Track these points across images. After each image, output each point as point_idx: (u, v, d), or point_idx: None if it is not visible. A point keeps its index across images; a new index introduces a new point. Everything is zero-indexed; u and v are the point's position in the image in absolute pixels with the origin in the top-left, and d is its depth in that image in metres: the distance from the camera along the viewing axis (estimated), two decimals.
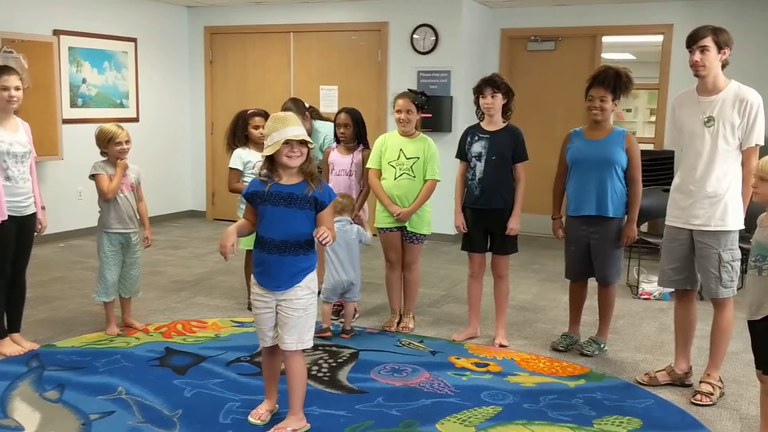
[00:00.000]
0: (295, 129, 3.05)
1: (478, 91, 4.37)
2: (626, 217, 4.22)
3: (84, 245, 7.12)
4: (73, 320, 4.83)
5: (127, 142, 4.42)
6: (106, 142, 4.39)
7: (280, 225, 3.09)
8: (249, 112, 5.01)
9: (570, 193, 4.28)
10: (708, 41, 3.56)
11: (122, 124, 4.53)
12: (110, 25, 7.88)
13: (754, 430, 3.34)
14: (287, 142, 3.02)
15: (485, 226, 4.43)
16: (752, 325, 3.01)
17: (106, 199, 4.41)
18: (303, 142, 3.06)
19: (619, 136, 4.16)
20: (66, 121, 7.37)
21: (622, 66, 4.20)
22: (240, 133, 4.97)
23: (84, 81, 7.63)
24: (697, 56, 3.59)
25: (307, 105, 5.55)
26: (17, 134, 4.03)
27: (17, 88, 3.97)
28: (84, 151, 7.42)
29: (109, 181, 4.38)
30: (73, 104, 7.51)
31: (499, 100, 4.32)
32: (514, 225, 4.36)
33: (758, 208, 3.10)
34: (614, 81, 4.09)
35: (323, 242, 3.04)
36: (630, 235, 4.21)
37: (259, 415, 3.34)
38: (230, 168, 4.93)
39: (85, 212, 7.38)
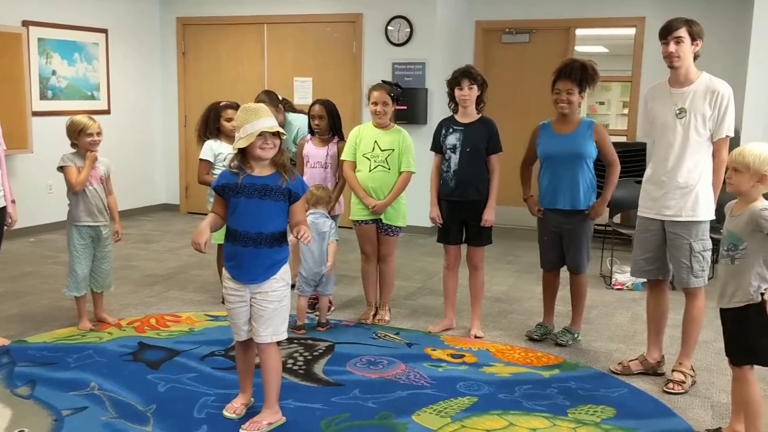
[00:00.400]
0: (268, 120, 3.03)
1: (455, 82, 4.36)
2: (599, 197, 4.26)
3: (55, 240, 7.02)
4: (45, 315, 4.76)
5: (99, 134, 4.36)
6: (76, 134, 4.33)
7: (254, 217, 3.06)
8: (222, 104, 4.97)
9: (542, 187, 4.32)
10: (682, 32, 3.60)
11: (94, 116, 4.46)
12: (80, 15, 7.75)
13: (725, 418, 3.39)
14: (261, 134, 3.00)
15: (460, 218, 4.45)
16: (723, 313, 3.06)
17: (74, 192, 4.35)
18: (276, 134, 3.04)
19: (587, 128, 4.21)
20: (36, 114, 7.24)
21: (587, 58, 4.24)
22: (212, 124, 4.93)
23: (54, 73, 7.51)
24: (672, 47, 3.62)
25: (280, 97, 5.52)
26: None
27: None
28: (54, 144, 7.29)
29: (78, 173, 4.32)
30: (42, 96, 7.39)
31: (475, 91, 4.34)
32: (489, 216, 4.38)
33: (728, 198, 3.13)
34: (580, 73, 4.13)
35: (304, 241, 3.07)
36: (598, 211, 4.23)
37: (234, 408, 3.32)
38: (200, 159, 4.89)
39: (55, 206, 7.24)
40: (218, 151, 4.85)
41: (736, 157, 2.94)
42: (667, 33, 3.64)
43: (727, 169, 3.05)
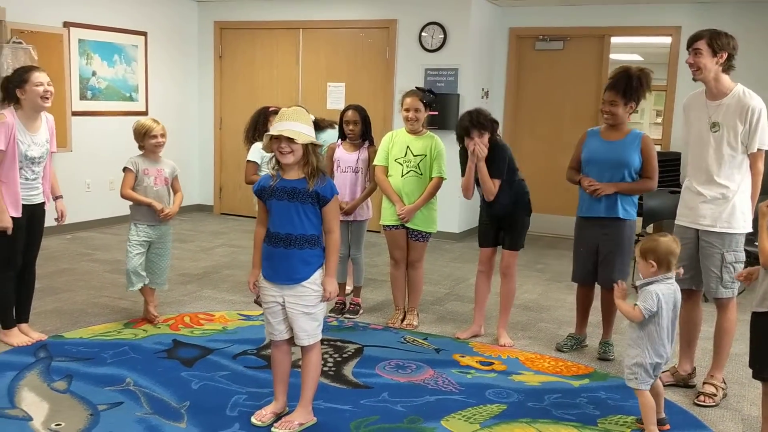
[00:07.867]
0: (286, 124, 3.04)
1: (466, 134, 4.22)
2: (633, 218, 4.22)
3: (91, 237, 7.15)
4: (81, 312, 4.86)
5: (163, 135, 4.54)
6: (142, 136, 4.50)
7: (284, 219, 3.12)
8: (271, 108, 5.11)
9: (583, 193, 4.27)
10: (701, 44, 3.57)
11: (158, 119, 4.62)
12: (121, 18, 7.91)
13: (756, 431, 3.36)
14: (276, 138, 3.04)
15: (497, 220, 4.43)
16: (755, 318, 3.03)
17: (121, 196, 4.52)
18: (292, 139, 3.01)
19: (636, 138, 4.15)
20: (75, 114, 7.41)
21: (640, 66, 4.12)
22: (260, 128, 5.05)
23: (94, 74, 7.66)
24: (691, 59, 3.62)
25: (312, 118, 5.54)
26: (37, 135, 4.05)
27: (50, 83, 4.02)
28: (93, 144, 7.49)
29: (132, 183, 4.48)
30: (82, 97, 7.54)
31: (486, 137, 4.24)
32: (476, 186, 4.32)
33: None
34: (625, 84, 4.06)
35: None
36: (604, 189, 4.11)
37: (262, 416, 3.28)
38: (248, 161, 5.03)
39: (92, 204, 7.43)
40: (264, 153, 4.97)
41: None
42: (688, 44, 3.65)
43: None
